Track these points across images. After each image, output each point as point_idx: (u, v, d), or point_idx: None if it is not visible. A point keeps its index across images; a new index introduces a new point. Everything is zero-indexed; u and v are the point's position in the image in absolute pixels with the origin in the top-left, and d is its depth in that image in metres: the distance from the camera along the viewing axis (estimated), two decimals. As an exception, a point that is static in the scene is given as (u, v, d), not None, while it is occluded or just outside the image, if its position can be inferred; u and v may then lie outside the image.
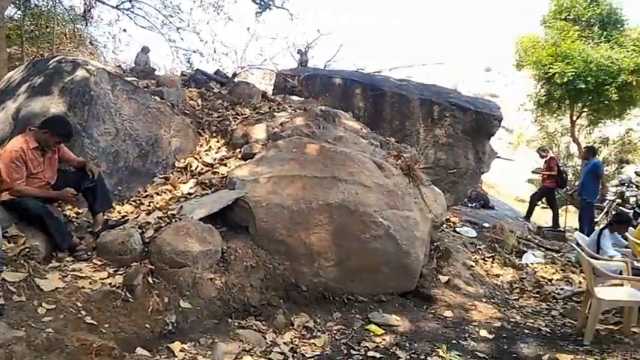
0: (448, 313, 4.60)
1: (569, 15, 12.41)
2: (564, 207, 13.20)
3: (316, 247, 4.39)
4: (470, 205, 9.22)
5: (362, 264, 4.53)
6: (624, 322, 4.31)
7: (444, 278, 5.25)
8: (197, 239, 3.86)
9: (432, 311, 4.64)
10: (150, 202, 4.71)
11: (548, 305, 5.14)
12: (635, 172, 10.58)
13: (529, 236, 8.74)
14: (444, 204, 5.52)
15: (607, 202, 9.90)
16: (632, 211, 8.93)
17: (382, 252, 4.55)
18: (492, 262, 6.08)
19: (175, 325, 3.42)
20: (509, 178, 17.92)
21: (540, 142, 14.90)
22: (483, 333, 4.12)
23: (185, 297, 3.62)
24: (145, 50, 9.35)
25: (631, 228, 6.40)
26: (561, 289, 5.60)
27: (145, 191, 4.91)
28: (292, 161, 4.74)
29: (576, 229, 10.11)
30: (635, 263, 4.85)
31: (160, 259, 3.71)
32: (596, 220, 9.38)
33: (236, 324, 3.68)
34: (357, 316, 4.26)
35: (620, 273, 4.49)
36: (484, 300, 5.02)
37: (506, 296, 5.31)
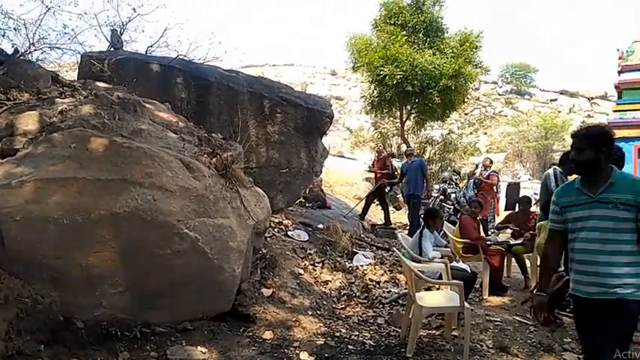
0: (268, 335, 4.01)
1: (397, 20, 13.05)
2: (396, 204, 14.00)
3: (98, 270, 3.43)
4: (307, 205, 8.92)
5: (161, 286, 3.69)
6: (445, 326, 4.20)
7: (267, 292, 4.67)
8: None
9: (250, 333, 4.01)
10: None
11: (374, 312, 4.89)
12: (455, 171, 11.51)
13: (362, 235, 8.76)
14: (269, 207, 4.94)
15: (432, 198, 10.53)
16: (452, 207, 9.57)
17: (188, 269, 3.77)
18: (322, 267, 5.70)
19: None
20: (350, 177, 18.50)
21: (375, 142, 15.54)
22: (304, 356, 3.61)
23: None
24: None
25: (450, 225, 6.64)
26: (388, 292, 5.45)
27: None
28: (69, 159, 3.67)
29: (406, 225, 10.64)
30: (455, 263, 4.85)
31: None
32: (421, 214, 9.87)
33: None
34: (153, 353, 3.42)
35: (440, 276, 4.40)
36: (310, 313, 4.56)
37: (334, 306, 4.94)
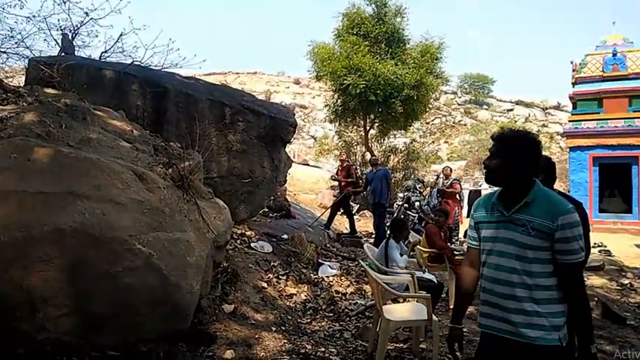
0: (229, 354, 3.79)
1: (359, 30, 13.10)
2: (362, 212, 13.97)
3: (40, 290, 3.14)
4: (271, 215, 8.72)
5: (112, 306, 3.42)
6: (413, 339, 4.10)
7: (229, 308, 4.45)
8: None
9: (210, 353, 3.78)
10: None
11: (341, 325, 4.75)
12: (418, 179, 11.58)
13: (328, 245, 8.63)
14: (229, 220, 4.73)
15: (396, 206, 10.53)
16: (416, 215, 9.59)
17: (141, 288, 3.51)
18: (287, 280, 5.52)
19: None
20: (315, 185, 18.40)
21: (339, 150, 15.50)
22: (266, 376, 3.41)
23: None
24: None
25: (416, 235, 6.60)
26: (354, 304, 5.32)
27: None
28: (8, 171, 3.36)
29: (371, 234, 10.59)
30: (420, 273, 4.78)
31: None
32: (387, 223, 9.84)
33: None
34: (102, 379, 3.14)
35: (407, 288, 4.31)
36: (274, 329, 4.36)
37: (299, 320, 4.76)
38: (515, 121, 34.49)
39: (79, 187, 3.43)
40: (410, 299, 4.36)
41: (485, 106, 39.48)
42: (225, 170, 6.82)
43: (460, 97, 40.54)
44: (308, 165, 24.14)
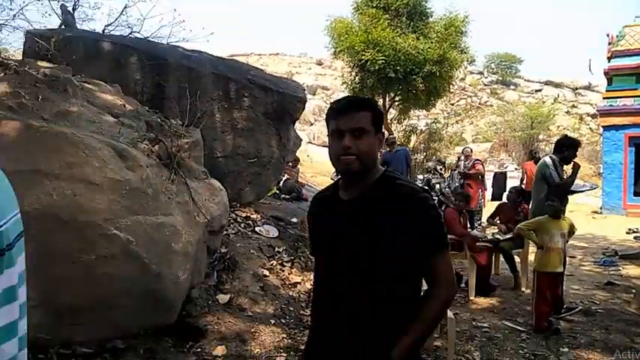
0: (220, 350, 3.42)
1: (379, 3, 12.42)
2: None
3: (1, 281, 2.78)
4: (282, 197, 8.31)
5: (85, 299, 3.07)
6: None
7: (224, 298, 4.07)
8: None
9: (199, 349, 3.41)
10: None
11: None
12: (439, 160, 10.98)
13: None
14: (225, 202, 4.33)
15: (415, 189, 9.98)
16: (436, 198, 9.03)
17: (118, 278, 3.15)
18: (292, 267, 5.11)
19: None
20: (331, 167, 17.91)
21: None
22: (257, 379, 3.02)
23: None
24: None
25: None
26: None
27: None
28: (-32, 147, 3.01)
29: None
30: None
31: None
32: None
33: None
34: (71, 380, 2.79)
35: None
36: (272, 322, 3.97)
37: (301, 312, 4.36)
38: (544, 102, 33.11)
39: (48, 165, 3.06)
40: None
41: (512, 87, 38.06)
42: (230, 149, 6.41)
43: (486, 77, 39.15)
44: (327, 147, 23.63)
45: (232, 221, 5.73)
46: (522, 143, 26.01)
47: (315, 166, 20.34)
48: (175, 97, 6.25)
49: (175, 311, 3.53)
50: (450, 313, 3.33)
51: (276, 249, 5.33)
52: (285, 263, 5.11)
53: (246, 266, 4.62)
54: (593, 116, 32.44)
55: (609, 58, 11.86)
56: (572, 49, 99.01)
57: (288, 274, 4.94)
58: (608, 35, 11.91)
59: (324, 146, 24.05)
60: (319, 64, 42.79)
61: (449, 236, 5.24)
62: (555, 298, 4.17)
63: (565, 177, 4.70)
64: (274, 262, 5.03)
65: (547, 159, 4.81)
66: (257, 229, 5.78)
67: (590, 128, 31.14)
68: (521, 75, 39.83)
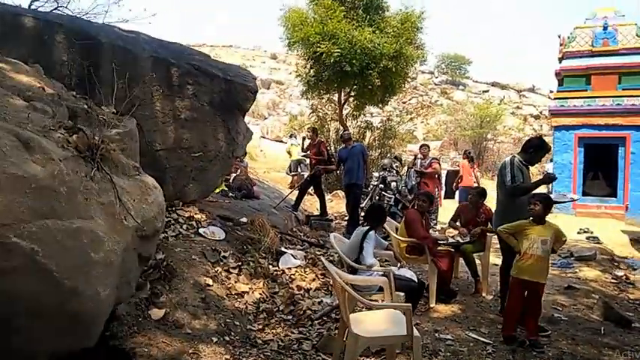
0: (149, 379, 2.87)
1: (336, -6, 11.99)
2: (335, 192, 13.11)
3: None
4: (230, 195, 7.73)
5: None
6: (387, 355, 3.25)
7: (158, 313, 3.53)
8: None
9: (123, 380, 2.85)
10: None
11: (300, 333, 3.88)
12: (395, 157, 10.73)
13: (295, 229, 7.75)
14: (161, 202, 3.75)
15: (371, 187, 9.67)
16: (392, 196, 8.76)
17: (20, 295, 2.55)
18: (239, 274, 4.61)
19: None
20: (287, 162, 17.46)
21: (312, 126, 14.51)
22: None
23: None
24: None
25: (392, 221, 5.75)
26: (319, 303, 4.46)
27: None
28: None
29: (344, 216, 9.74)
30: (396, 271, 3.92)
31: None
32: (361, 205, 9.00)
33: None
34: None
35: (381, 289, 3.45)
36: (214, 340, 3.47)
37: (248, 327, 3.87)
38: (491, 103, 34.06)
39: None
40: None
41: (461, 87, 38.98)
42: (172, 142, 5.81)
43: (437, 77, 39.91)
44: (281, 142, 23.15)
45: (173, 222, 5.16)
46: (472, 142, 26.60)
47: (269, 162, 19.78)
48: (109, 83, 5.56)
49: (96, 333, 2.95)
50: (415, 331, 2.96)
51: (222, 253, 4.80)
52: (231, 270, 4.60)
53: (186, 274, 4.08)
54: (536, 117, 33.80)
55: (560, 59, 12.05)
56: (517, 51, 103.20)
57: (235, 282, 4.43)
58: (559, 36, 12.11)
59: (277, 141, 23.51)
60: (273, 58, 42.12)
61: (409, 239, 4.92)
62: (531, 309, 3.89)
63: (527, 180, 4.42)
64: (219, 269, 4.51)
65: (507, 159, 4.57)
66: (201, 230, 5.22)
67: (534, 129, 32.35)
68: (469, 76, 40.91)
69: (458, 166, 12.30)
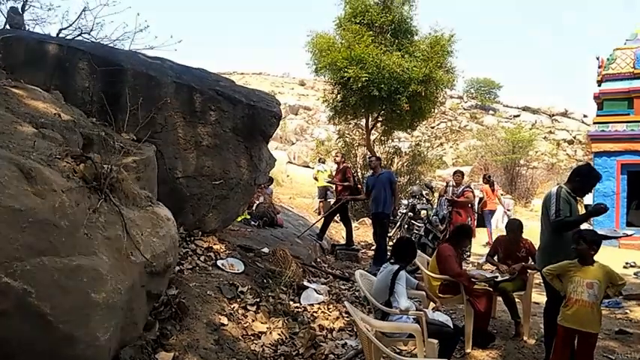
0: None
1: (363, 19, 11.90)
2: (362, 219, 12.73)
3: None
4: (253, 223, 7.48)
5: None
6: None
7: (166, 357, 3.23)
8: None
9: None
10: None
11: (321, 382, 3.52)
12: (425, 185, 10.32)
13: (318, 259, 7.42)
14: (174, 235, 3.50)
15: (399, 215, 9.28)
16: (423, 226, 8.34)
17: (10, 340, 2.32)
18: (257, 312, 4.29)
19: None
20: (314, 188, 17.23)
21: (340, 151, 14.28)
22: None
23: None
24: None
25: (425, 256, 5.35)
26: (343, 345, 4.09)
27: None
28: None
29: (371, 245, 9.34)
30: (431, 314, 3.53)
31: None
32: (389, 234, 8.60)
33: None
34: None
35: (412, 336, 3.07)
36: (227, 389, 3.14)
37: (265, 373, 3.53)
38: (522, 127, 33.27)
39: None
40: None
41: (491, 112, 38.33)
42: (193, 169, 5.62)
43: (466, 102, 39.40)
44: (308, 167, 23.02)
45: (191, 253, 4.91)
46: (503, 167, 25.84)
47: (295, 187, 19.59)
48: (130, 109, 5.45)
49: (94, 383, 2.68)
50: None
51: (240, 288, 4.50)
52: (249, 307, 4.29)
53: (199, 313, 3.79)
54: (570, 142, 32.75)
55: (599, 82, 11.51)
56: (549, 75, 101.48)
57: (252, 320, 4.12)
58: (598, 58, 11.60)
59: (304, 166, 23.37)
60: (302, 84, 42.53)
61: (442, 276, 4.51)
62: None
63: (575, 213, 3.99)
64: (235, 306, 4.20)
65: (552, 190, 4.16)
66: (219, 262, 4.95)
67: (568, 154, 31.31)
68: (499, 100, 40.23)
69: (481, 191, 12.03)
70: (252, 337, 3.90)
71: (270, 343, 3.90)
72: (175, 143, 5.61)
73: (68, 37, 6.67)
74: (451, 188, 8.52)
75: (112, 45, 6.68)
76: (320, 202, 13.21)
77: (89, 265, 2.64)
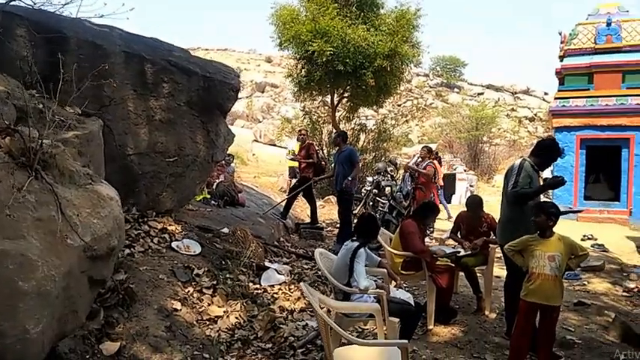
0: None
1: (328, -9, 11.53)
2: (327, 197, 12.62)
3: None
4: (213, 202, 7.23)
5: None
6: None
7: (111, 347, 3.02)
8: None
9: None
10: None
11: (279, 365, 3.38)
12: (390, 161, 10.25)
13: (282, 239, 7.26)
14: (118, 216, 3.23)
15: (364, 192, 9.19)
16: (387, 203, 8.27)
17: None
18: (214, 295, 4.10)
19: None
20: (280, 167, 16.98)
21: (305, 128, 14.01)
22: None
23: None
24: None
25: (387, 232, 5.26)
26: (303, 327, 3.96)
27: None
28: None
29: (337, 223, 9.22)
30: (393, 292, 3.43)
31: None
32: (354, 211, 8.50)
33: None
34: None
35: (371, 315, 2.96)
36: (178, 377, 2.96)
37: (220, 359, 3.36)
38: (486, 105, 33.79)
39: None
40: (378, 330, 3.02)
41: (456, 90, 38.70)
42: (145, 146, 5.31)
43: (432, 80, 39.61)
44: (274, 145, 22.69)
45: (143, 235, 4.65)
46: (467, 144, 26.26)
47: (261, 166, 19.27)
48: (75, 81, 5.04)
49: (25, 378, 2.45)
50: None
51: (195, 271, 4.29)
52: (204, 290, 4.09)
53: (150, 298, 3.57)
54: (531, 119, 33.52)
55: (561, 57, 11.61)
56: (512, 53, 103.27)
57: (208, 304, 3.93)
58: (560, 34, 11.68)
59: (270, 145, 23.02)
60: (268, 61, 41.68)
61: (405, 253, 4.43)
62: (544, 336, 3.41)
63: (535, 185, 3.94)
64: (190, 290, 4.00)
65: (516, 162, 4.09)
66: (174, 244, 4.71)
67: (529, 131, 32.06)
68: (464, 78, 40.66)
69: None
70: (208, 322, 3.72)
71: (226, 328, 3.74)
72: (125, 118, 5.27)
73: (3, 1, 6.12)
74: (415, 159, 8.48)
75: (55, 12, 6.18)
76: (288, 181, 12.99)
77: (15, 250, 2.38)
